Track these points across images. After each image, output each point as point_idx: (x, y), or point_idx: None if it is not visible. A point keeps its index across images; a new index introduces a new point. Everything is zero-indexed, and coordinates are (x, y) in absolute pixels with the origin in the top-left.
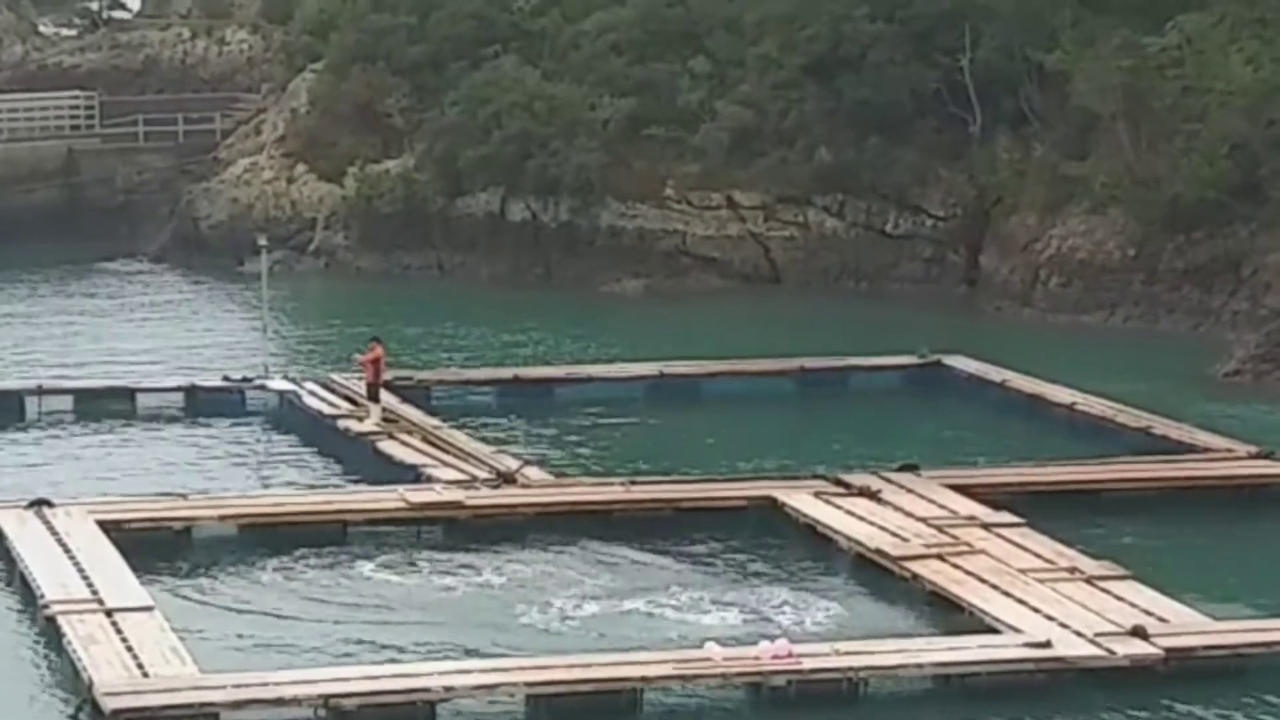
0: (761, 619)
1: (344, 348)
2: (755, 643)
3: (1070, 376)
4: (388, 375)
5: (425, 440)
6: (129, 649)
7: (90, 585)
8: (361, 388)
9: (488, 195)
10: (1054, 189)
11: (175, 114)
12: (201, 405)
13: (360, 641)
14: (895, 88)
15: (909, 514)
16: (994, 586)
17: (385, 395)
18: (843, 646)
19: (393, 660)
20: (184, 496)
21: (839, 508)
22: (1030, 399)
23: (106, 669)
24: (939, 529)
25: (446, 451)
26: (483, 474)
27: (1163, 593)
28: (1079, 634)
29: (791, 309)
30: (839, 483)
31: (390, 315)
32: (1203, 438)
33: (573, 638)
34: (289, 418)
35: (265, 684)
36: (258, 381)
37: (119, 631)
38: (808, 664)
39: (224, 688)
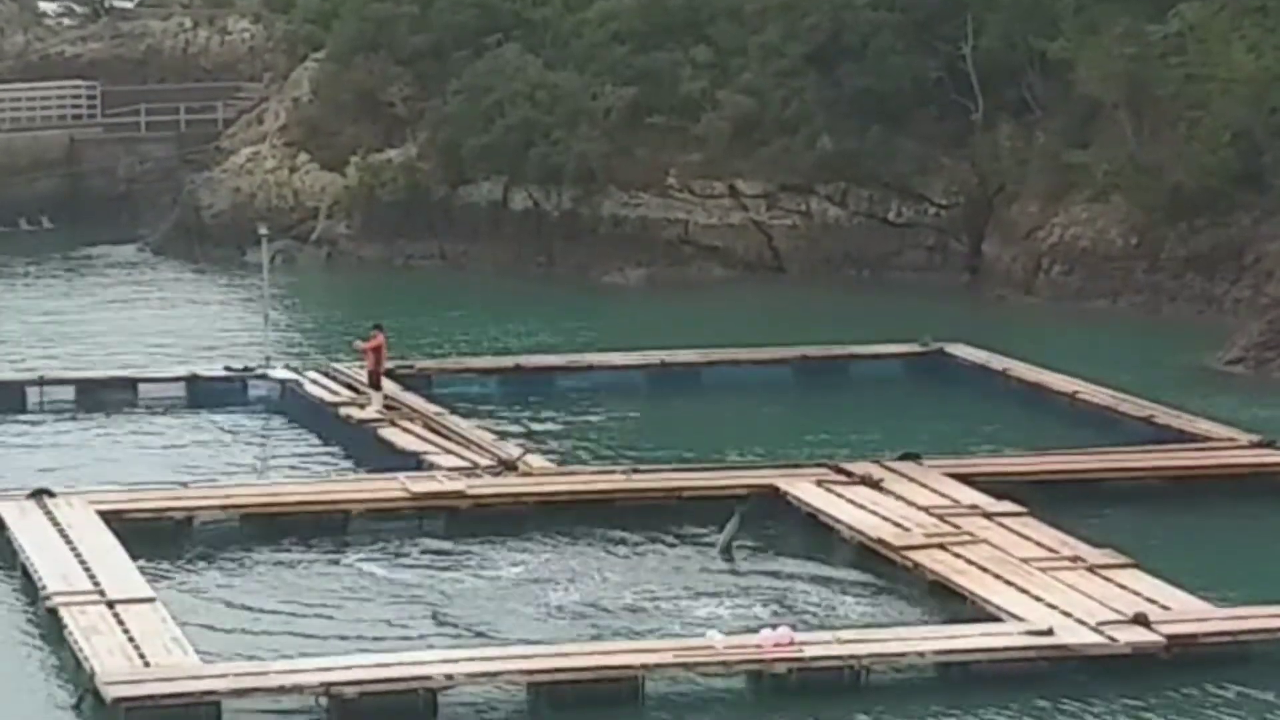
0: (764, 607)
1: (346, 336)
2: (757, 631)
3: (1072, 364)
4: (389, 364)
5: (427, 427)
6: (130, 639)
7: (91, 576)
8: (363, 376)
9: (490, 184)
10: (1056, 177)
11: (177, 103)
12: (203, 395)
13: (361, 630)
14: (897, 76)
15: (911, 503)
16: (996, 575)
17: (387, 383)
18: (844, 635)
19: (394, 649)
20: (185, 486)
21: (841, 496)
22: (1032, 388)
23: (108, 659)
24: (941, 518)
25: (448, 438)
26: (485, 461)
27: (1165, 581)
28: (1081, 622)
29: (794, 298)
30: (840, 471)
31: (392, 304)
32: (1204, 426)
33: (573, 626)
34: (291, 406)
35: (266, 672)
36: (259, 371)
37: (120, 622)
38: (809, 652)
39: (225, 676)
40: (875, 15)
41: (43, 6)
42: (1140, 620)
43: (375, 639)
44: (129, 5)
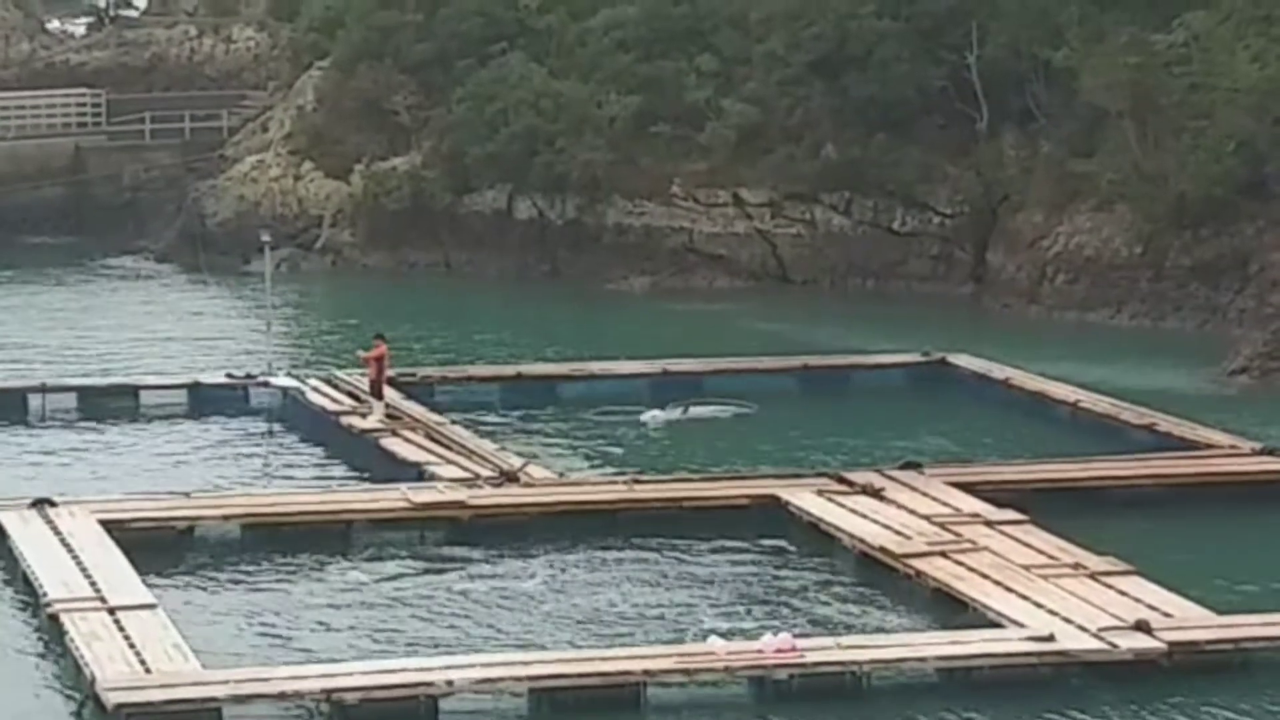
0: (765, 615)
1: (349, 345)
2: (758, 637)
3: (1077, 373)
4: (391, 372)
5: (428, 437)
6: (131, 646)
7: (93, 584)
8: (365, 385)
9: (495, 193)
10: (1061, 186)
11: (182, 111)
12: (205, 403)
13: (362, 639)
14: (902, 85)
15: (912, 511)
16: (997, 583)
17: (389, 392)
18: (846, 640)
19: (394, 657)
20: (187, 495)
21: (842, 505)
22: (1034, 397)
23: (109, 665)
24: (942, 526)
25: (449, 449)
26: (486, 472)
27: (1166, 588)
28: (1082, 628)
29: (798, 307)
30: (842, 480)
31: (396, 312)
32: (1206, 434)
33: (574, 635)
34: (293, 415)
35: (267, 678)
36: (261, 379)
37: (121, 629)
38: (810, 658)
39: (226, 682)
40: (880, 24)
41: (48, 15)
42: (1142, 627)
43: (375, 648)
44: (134, 14)
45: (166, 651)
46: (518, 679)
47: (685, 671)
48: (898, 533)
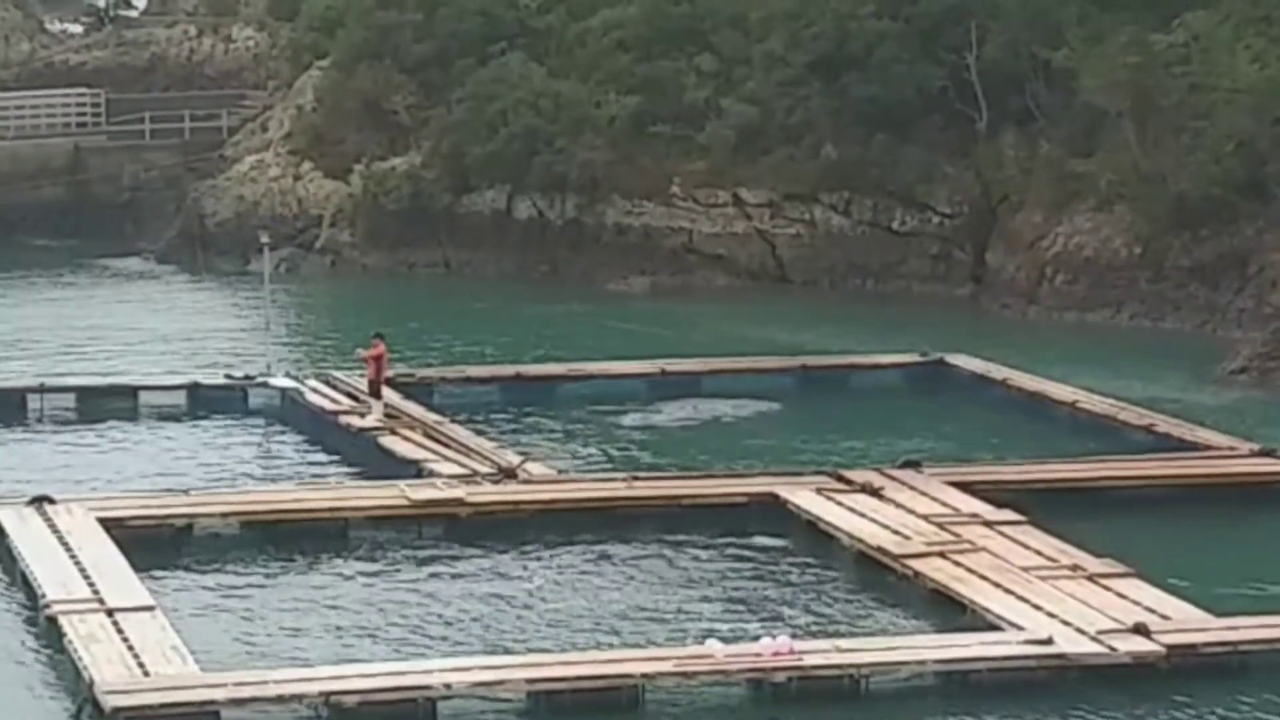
0: (763, 616)
1: (347, 345)
2: (757, 639)
3: (1076, 374)
4: (390, 372)
5: (427, 435)
6: (130, 648)
7: (91, 584)
8: (364, 384)
9: (494, 192)
10: (1060, 186)
11: (181, 111)
12: (204, 403)
13: (361, 639)
14: (901, 85)
15: (911, 511)
16: (996, 584)
17: (387, 392)
18: (844, 643)
19: (393, 657)
20: (185, 493)
21: (841, 504)
22: (1032, 397)
23: (107, 668)
24: (941, 526)
25: (448, 446)
26: (484, 469)
27: (1165, 590)
28: (1081, 631)
29: (798, 307)
30: (841, 479)
31: (396, 312)
32: (1205, 435)
33: (573, 635)
34: (291, 415)
35: (266, 682)
36: (260, 379)
37: (120, 631)
38: (809, 660)
39: (225, 685)
40: (879, 24)
41: (47, 15)
42: (1140, 629)
43: (374, 648)
44: (134, 14)
45: (165, 654)
46: (516, 681)
47: (684, 674)
48: (896, 532)
